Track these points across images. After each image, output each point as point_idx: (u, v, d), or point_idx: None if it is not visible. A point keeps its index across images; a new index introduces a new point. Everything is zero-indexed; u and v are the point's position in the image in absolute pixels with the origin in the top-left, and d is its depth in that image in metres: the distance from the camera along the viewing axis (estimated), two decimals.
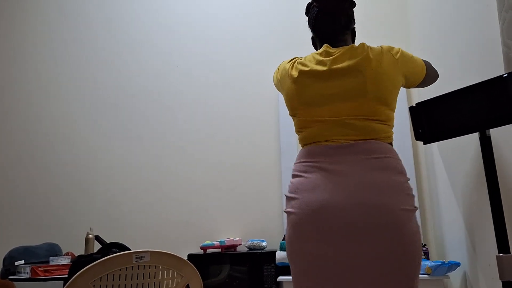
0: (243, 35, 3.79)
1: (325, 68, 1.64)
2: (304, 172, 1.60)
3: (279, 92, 2.53)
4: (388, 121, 1.62)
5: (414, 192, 3.19)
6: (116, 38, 3.97)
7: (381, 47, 1.67)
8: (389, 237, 1.43)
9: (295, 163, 1.68)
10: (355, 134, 1.57)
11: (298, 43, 3.63)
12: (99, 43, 3.98)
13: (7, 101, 3.99)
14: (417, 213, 3.15)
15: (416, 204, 1.48)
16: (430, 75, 1.69)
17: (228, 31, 3.82)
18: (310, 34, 1.86)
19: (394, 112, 1.65)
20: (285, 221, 3.34)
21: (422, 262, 2.66)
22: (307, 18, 1.89)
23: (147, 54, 3.89)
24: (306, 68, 1.68)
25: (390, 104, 1.61)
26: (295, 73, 1.69)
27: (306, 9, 1.87)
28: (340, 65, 1.63)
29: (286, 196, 1.66)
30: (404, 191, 1.49)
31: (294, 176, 1.65)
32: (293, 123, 1.86)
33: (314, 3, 1.80)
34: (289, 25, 3.71)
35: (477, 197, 2.21)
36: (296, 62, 1.73)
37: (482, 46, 2.02)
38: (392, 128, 1.65)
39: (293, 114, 1.73)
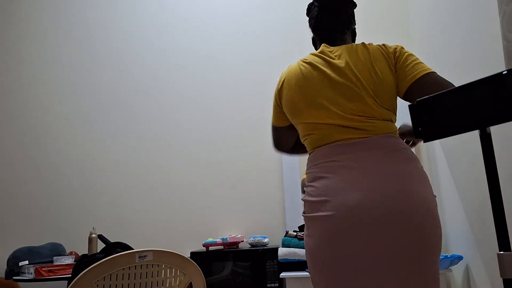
0: (244, 33, 3.78)
1: (326, 68, 1.62)
2: (327, 172, 1.53)
3: None
4: (393, 121, 1.62)
5: None
6: (114, 36, 3.96)
7: (390, 47, 1.66)
8: (428, 222, 1.43)
9: (311, 166, 1.60)
10: (366, 132, 1.54)
11: (299, 39, 3.62)
12: (97, 42, 3.98)
13: (7, 103, 3.99)
14: None
15: None
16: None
17: (228, 29, 3.81)
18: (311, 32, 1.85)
19: (396, 113, 1.64)
20: (289, 218, 3.35)
21: None
22: (308, 18, 1.89)
23: (145, 52, 3.89)
24: (309, 68, 1.65)
25: (394, 108, 1.61)
26: (299, 74, 1.66)
27: (307, 9, 1.85)
28: (341, 64, 1.60)
29: (309, 200, 1.55)
30: (428, 180, 1.52)
31: (316, 178, 1.55)
32: None
33: (315, 3, 1.78)
34: (290, 22, 3.70)
35: (479, 190, 2.21)
36: (298, 64, 1.69)
37: (482, 39, 2.02)
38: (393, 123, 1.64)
39: (298, 121, 1.67)
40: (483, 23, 1.99)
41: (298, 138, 1.85)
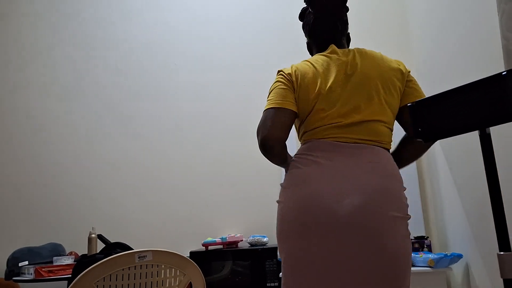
0: (243, 33, 3.78)
1: (338, 67, 1.64)
2: (300, 164, 1.57)
3: None
4: (391, 125, 1.63)
5: (416, 184, 3.19)
6: (116, 37, 3.95)
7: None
8: (371, 242, 1.43)
9: (295, 155, 1.63)
10: (360, 134, 1.56)
11: (299, 38, 3.61)
12: (97, 42, 3.97)
13: (7, 103, 3.98)
14: (419, 205, 3.15)
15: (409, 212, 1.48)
16: None
17: (229, 29, 3.81)
18: None
19: (395, 115, 1.65)
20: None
21: (423, 255, 2.67)
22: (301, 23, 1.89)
23: (145, 53, 3.88)
24: (326, 61, 1.66)
25: (395, 108, 1.62)
26: (318, 67, 1.64)
27: (300, 14, 1.86)
28: (350, 66, 1.63)
29: (281, 186, 1.63)
30: (400, 199, 1.49)
31: (292, 167, 1.61)
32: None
33: (309, 9, 1.80)
34: (290, 21, 3.70)
35: (478, 189, 2.21)
36: (307, 62, 1.69)
37: (481, 38, 2.01)
38: (392, 133, 1.65)
39: (308, 111, 1.62)
40: (482, 22, 1.99)
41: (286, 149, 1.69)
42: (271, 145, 1.55)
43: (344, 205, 1.45)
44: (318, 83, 1.59)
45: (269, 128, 1.55)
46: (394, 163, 1.57)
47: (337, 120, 1.57)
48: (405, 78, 1.65)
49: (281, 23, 3.72)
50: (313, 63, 1.65)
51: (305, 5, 1.84)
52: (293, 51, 3.63)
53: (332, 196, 1.46)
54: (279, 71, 1.71)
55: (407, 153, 1.69)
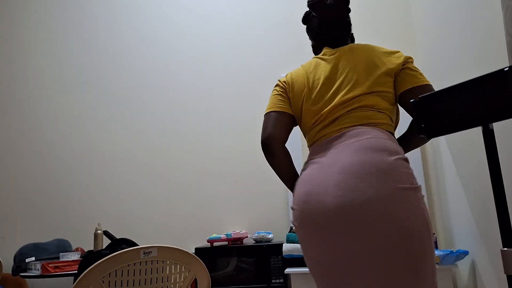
0: (249, 30, 3.77)
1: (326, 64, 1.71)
2: (304, 170, 1.62)
3: None
4: (382, 108, 1.61)
5: (421, 181, 3.18)
6: (119, 33, 3.96)
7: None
8: (365, 224, 1.36)
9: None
10: (347, 123, 1.58)
11: (304, 37, 3.61)
12: (103, 39, 3.98)
13: (13, 100, 4.01)
14: (425, 202, 3.14)
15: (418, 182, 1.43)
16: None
17: (234, 26, 3.81)
18: None
19: (393, 104, 1.65)
20: (291, 213, 3.35)
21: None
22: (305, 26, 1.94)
23: (151, 49, 3.89)
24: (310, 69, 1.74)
25: (386, 93, 1.62)
26: (308, 70, 1.74)
27: (304, 18, 1.90)
28: (338, 60, 1.69)
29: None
30: (394, 169, 1.41)
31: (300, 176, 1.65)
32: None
33: (313, 13, 1.83)
34: (294, 18, 3.69)
35: (484, 185, 2.21)
36: (302, 67, 1.77)
37: (485, 34, 2.00)
38: (391, 118, 1.64)
39: (299, 113, 1.73)
40: (486, 17, 1.98)
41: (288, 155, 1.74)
42: (269, 144, 1.67)
43: (331, 194, 1.44)
44: (305, 84, 1.69)
45: (267, 129, 1.70)
46: (386, 137, 1.52)
47: (325, 117, 1.62)
48: (401, 64, 1.63)
49: (286, 21, 3.71)
50: (306, 67, 1.75)
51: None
52: (297, 48, 3.62)
53: (322, 188, 1.47)
54: (277, 82, 1.83)
55: (412, 137, 1.69)
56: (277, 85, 1.81)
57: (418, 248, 1.34)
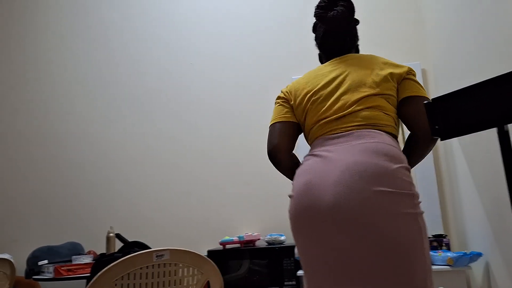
0: (257, 32, 3.77)
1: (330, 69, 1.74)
2: (305, 161, 1.63)
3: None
4: (388, 111, 1.62)
5: (434, 182, 3.15)
6: (129, 36, 3.99)
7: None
8: (357, 224, 1.38)
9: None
10: (353, 122, 1.59)
11: (312, 37, 3.60)
12: (113, 42, 4.01)
13: (25, 102, 4.05)
14: (438, 203, 3.12)
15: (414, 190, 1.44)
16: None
17: (242, 28, 3.81)
18: None
19: (396, 108, 1.65)
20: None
21: (442, 254, 2.64)
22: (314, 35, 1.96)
23: (161, 52, 3.91)
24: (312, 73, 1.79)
25: (390, 98, 1.63)
26: (310, 77, 1.77)
27: (313, 27, 1.93)
28: (340, 66, 1.73)
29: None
30: (392, 174, 1.42)
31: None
32: None
33: (319, 23, 1.84)
34: (303, 20, 3.69)
35: (498, 187, 2.18)
36: (305, 75, 1.81)
37: (498, 36, 1.98)
38: (395, 122, 1.65)
39: (303, 117, 1.75)
40: (499, 19, 1.96)
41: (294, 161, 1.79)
42: (275, 154, 1.73)
43: (330, 190, 1.44)
44: (309, 87, 1.73)
45: (272, 140, 1.75)
46: (392, 144, 1.52)
47: (331, 114, 1.63)
48: (405, 73, 1.66)
49: (296, 21, 3.70)
50: (308, 73, 1.80)
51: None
52: (307, 48, 3.61)
53: (322, 183, 1.48)
54: (279, 94, 1.87)
55: (410, 150, 1.66)
56: (278, 97, 1.85)
57: (411, 253, 1.37)
